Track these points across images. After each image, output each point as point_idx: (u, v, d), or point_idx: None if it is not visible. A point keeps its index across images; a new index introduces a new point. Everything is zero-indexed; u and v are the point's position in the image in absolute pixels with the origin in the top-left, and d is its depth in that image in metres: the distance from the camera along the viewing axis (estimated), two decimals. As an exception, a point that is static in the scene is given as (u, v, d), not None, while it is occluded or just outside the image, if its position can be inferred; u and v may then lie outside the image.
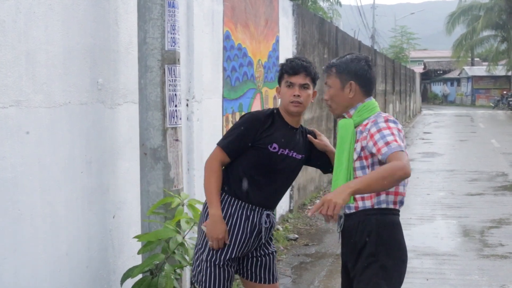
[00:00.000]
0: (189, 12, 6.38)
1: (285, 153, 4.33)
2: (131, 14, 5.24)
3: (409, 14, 67.72)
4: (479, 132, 28.53)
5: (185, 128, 6.16)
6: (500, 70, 59.33)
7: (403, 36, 62.66)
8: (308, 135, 4.52)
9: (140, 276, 4.77)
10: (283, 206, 10.06)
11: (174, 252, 4.65)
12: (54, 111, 4.37)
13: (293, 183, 10.47)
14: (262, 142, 4.31)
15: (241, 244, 4.35)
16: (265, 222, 4.39)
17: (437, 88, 77.76)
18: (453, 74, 73.19)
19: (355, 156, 3.87)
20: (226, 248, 4.33)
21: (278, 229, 9.37)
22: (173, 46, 5.03)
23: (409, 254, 8.11)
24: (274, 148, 4.29)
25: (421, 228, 9.73)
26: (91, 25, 4.80)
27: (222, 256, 4.33)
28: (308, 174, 11.72)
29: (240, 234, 4.35)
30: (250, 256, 4.51)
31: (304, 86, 4.29)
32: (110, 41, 5.04)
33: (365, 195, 3.81)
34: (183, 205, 5.05)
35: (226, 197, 4.40)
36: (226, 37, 7.44)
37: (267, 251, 4.54)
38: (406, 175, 3.55)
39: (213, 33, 7.05)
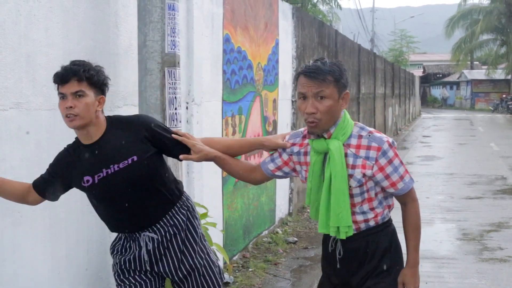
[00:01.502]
0: (189, 15, 6.39)
1: (104, 175, 3.65)
2: (131, 17, 5.25)
3: (409, 18, 67.95)
4: (479, 136, 28.51)
5: (185, 131, 6.15)
6: (499, 74, 59.34)
7: (403, 40, 62.59)
8: (183, 156, 3.81)
9: (139, 278, 4.77)
10: (282, 210, 10.06)
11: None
12: (54, 113, 4.36)
13: (293, 187, 10.52)
14: (74, 182, 3.75)
15: (131, 270, 3.87)
16: (147, 245, 3.80)
17: (437, 92, 77.78)
18: (453, 78, 73.24)
19: (355, 184, 3.50)
20: (122, 276, 3.90)
21: (277, 232, 9.37)
22: (173, 49, 5.03)
23: (408, 258, 8.08)
24: (88, 181, 3.66)
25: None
26: (91, 28, 4.81)
27: (123, 285, 3.91)
28: (307, 177, 11.69)
29: (127, 262, 3.86)
30: (174, 279, 3.94)
31: (78, 95, 3.50)
32: (110, 43, 5.05)
33: (369, 217, 3.60)
34: (182, 208, 5.05)
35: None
36: (226, 40, 7.45)
37: (188, 267, 3.89)
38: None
39: (213, 36, 7.06)
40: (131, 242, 3.86)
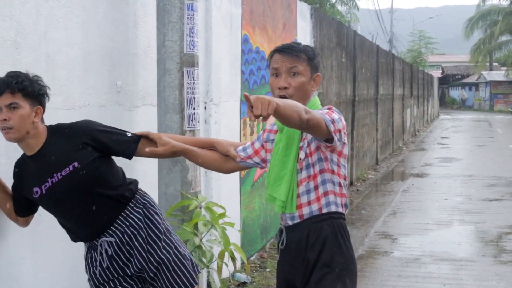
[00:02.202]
0: (208, 15, 6.40)
1: (49, 184, 3.61)
2: (150, 17, 5.27)
3: (428, 19, 67.57)
4: (497, 137, 28.36)
5: (203, 131, 6.17)
6: (518, 75, 59.03)
7: (421, 40, 62.43)
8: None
9: (157, 278, 4.78)
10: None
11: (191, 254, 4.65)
12: (73, 112, 4.39)
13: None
14: (26, 194, 3.70)
15: (98, 278, 3.81)
16: (106, 251, 3.76)
17: (455, 93, 77.44)
18: (471, 79, 72.88)
19: (303, 155, 3.41)
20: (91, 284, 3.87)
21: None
22: (192, 49, 5.05)
23: (426, 259, 8.11)
24: (37, 192, 3.63)
25: (438, 233, 9.69)
26: (110, 28, 4.83)
27: None
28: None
29: (93, 270, 3.82)
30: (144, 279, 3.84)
31: (12, 107, 3.44)
32: (129, 43, 5.07)
33: (312, 197, 3.42)
34: (200, 208, 5.07)
35: None
36: (244, 40, 7.45)
37: (155, 263, 3.79)
38: (320, 124, 3.16)
39: (231, 36, 7.06)
40: (93, 252, 3.82)
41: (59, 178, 3.58)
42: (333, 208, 3.47)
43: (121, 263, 3.78)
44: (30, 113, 3.50)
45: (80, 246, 4.52)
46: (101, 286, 3.82)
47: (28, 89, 3.47)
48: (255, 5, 7.75)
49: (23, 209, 3.80)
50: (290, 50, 3.43)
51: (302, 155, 3.42)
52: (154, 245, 3.80)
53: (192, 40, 5.06)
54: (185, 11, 4.99)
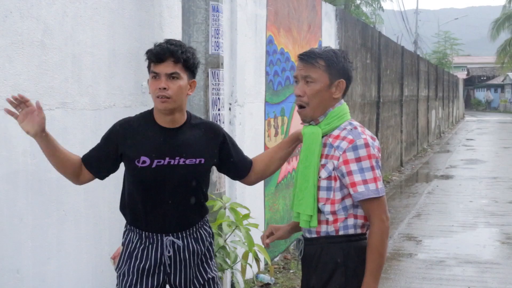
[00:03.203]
0: (233, 16, 6.41)
1: (164, 163, 3.43)
2: (176, 18, 5.29)
3: (453, 20, 67.15)
4: (523, 139, 28.17)
5: (228, 132, 6.17)
6: (545, 77, 58.53)
7: (447, 42, 62.04)
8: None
9: (181, 278, 4.79)
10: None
11: (215, 255, 4.65)
12: (99, 113, 4.42)
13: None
14: (127, 156, 3.47)
15: (143, 274, 3.51)
16: (168, 250, 3.51)
17: (481, 95, 76.96)
18: (497, 81, 72.38)
19: (325, 175, 3.29)
20: (130, 281, 3.53)
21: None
22: (217, 50, 5.06)
23: (450, 262, 8.05)
24: (144, 162, 3.42)
25: (463, 236, 9.63)
26: (136, 29, 4.85)
27: None
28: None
29: (138, 264, 3.52)
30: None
31: (172, 76, 3.37)
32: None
33: (329, 219, 3.30)
34: (224, 208, 5.07)
35: (128, 225, 3.62)
36: (269, 42, 7.45)
37: (201, 281, 3.63)
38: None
39: (256, 37, 7.07)
40: (149, 244, 3.53)
41: (180, 163, 3.46)
42: (351, 231, 3.33)
43: (168, 268, 3.55)
44: (187, 85, 3.45)
45: (105, 246, 4.56)
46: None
47: (190, 60, 3.44)
48: (280, 6, 7.75)
49: (95, 163, 3.53)
50: (306, 57, 3.34)
51: (323, 174, 3.31)
52: (205, 264, 3.66)
53: (217, 41, 5.07)
54: (210, 13, 5.01)
